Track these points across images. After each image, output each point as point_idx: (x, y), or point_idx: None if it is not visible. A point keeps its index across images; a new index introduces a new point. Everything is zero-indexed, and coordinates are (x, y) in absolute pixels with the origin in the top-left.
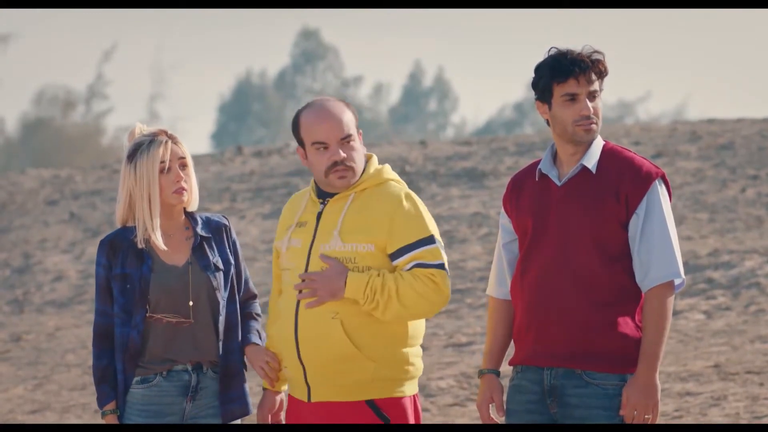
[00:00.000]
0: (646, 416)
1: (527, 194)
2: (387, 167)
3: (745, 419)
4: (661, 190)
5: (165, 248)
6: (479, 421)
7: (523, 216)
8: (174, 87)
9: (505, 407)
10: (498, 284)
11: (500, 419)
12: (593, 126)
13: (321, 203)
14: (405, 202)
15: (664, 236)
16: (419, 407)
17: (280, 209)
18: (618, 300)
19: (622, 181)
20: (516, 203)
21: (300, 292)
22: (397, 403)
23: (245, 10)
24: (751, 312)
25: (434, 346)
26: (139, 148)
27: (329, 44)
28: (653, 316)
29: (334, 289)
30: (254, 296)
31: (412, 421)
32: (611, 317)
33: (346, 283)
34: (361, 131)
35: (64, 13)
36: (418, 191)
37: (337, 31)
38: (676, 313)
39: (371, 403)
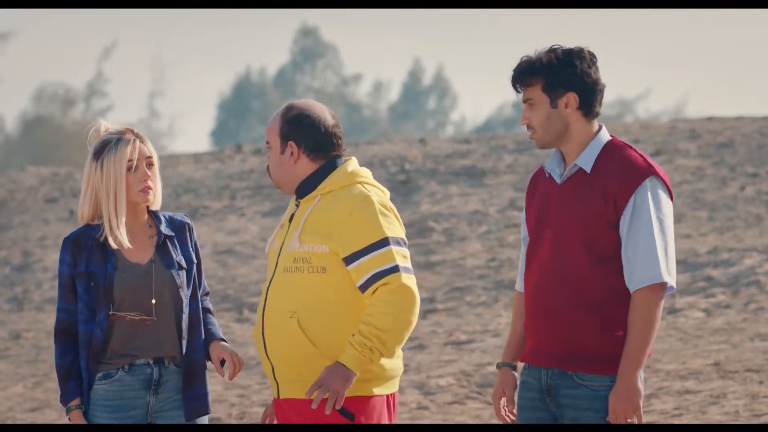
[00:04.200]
0: (628, 420)
1: (538, 192)
2: (361, 170)
3: (744, 417)
4: (652, 189)
5: (130, 246)
6: (478, 420)
7: (531, 213)
8: (173, 85)
9: (516, 401)
10: (520, 278)
11: (511, 416)
12: (533, 136)
13: (296, 205)
14: (359, 206)
15: (648, 238)
16: (393, 406)
17: (280, 207)
18: (608, 301)
19: (611, 181)
20: (530, 200)
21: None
22: (363, 401)
23: (245, 9)
24: (750, 310)
25: (433, 344)
26: (107, 146)
27: (329, 42)
28: (636, 319)
29: (340, 375)
30: (207, 293)
31: (381, 420)
32: (601, 318)
33: (343, 363)
34: (291, 143)
35: (63, 11)
36: (417, 189)
37: (336, 29)
38: (675, 311)
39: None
